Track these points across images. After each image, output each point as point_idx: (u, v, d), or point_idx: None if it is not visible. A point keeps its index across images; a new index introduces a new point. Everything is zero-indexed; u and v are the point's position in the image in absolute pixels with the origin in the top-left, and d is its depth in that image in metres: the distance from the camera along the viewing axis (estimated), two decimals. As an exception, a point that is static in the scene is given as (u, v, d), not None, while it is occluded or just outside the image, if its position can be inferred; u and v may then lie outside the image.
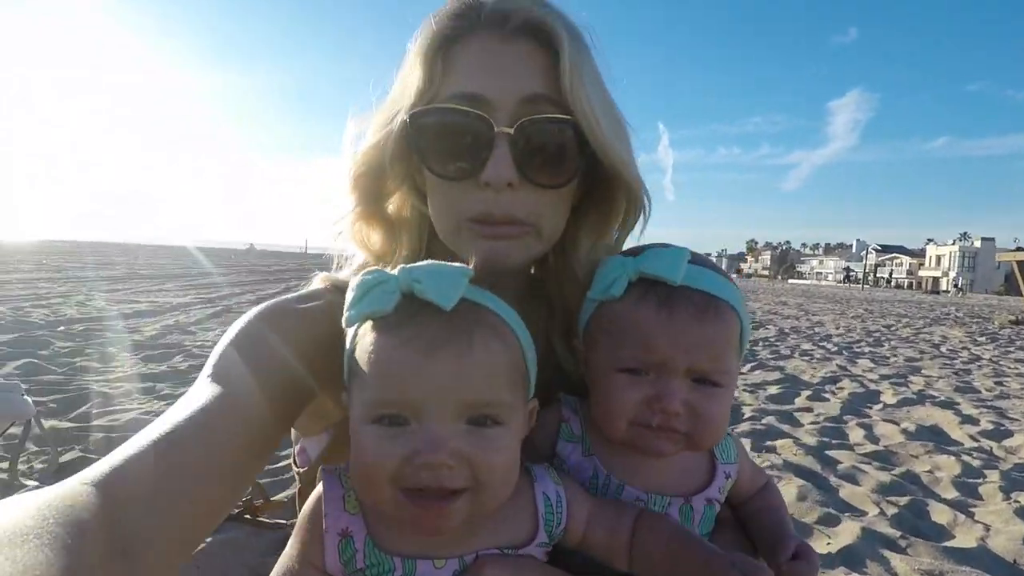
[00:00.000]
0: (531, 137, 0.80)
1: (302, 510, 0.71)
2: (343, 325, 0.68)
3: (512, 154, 0.80)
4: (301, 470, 0.99)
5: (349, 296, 0.66)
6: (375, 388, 0.62)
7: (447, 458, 0.59)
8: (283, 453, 3.12)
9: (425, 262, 0.67)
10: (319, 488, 0.70)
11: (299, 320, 0.84)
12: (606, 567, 0.77)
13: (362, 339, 0.65)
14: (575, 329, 0.89)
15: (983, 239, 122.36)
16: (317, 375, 0.81)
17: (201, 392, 0.73)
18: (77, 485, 0.57)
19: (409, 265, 0.66)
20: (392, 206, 0.95)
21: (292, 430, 0.97)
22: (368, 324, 0.65)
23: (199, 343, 7.00)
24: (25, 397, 2.35)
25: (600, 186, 0.91)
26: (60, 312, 8.92)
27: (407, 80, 0.85)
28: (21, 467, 2.76)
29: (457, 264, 0.66)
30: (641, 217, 0.94)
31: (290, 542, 0.69)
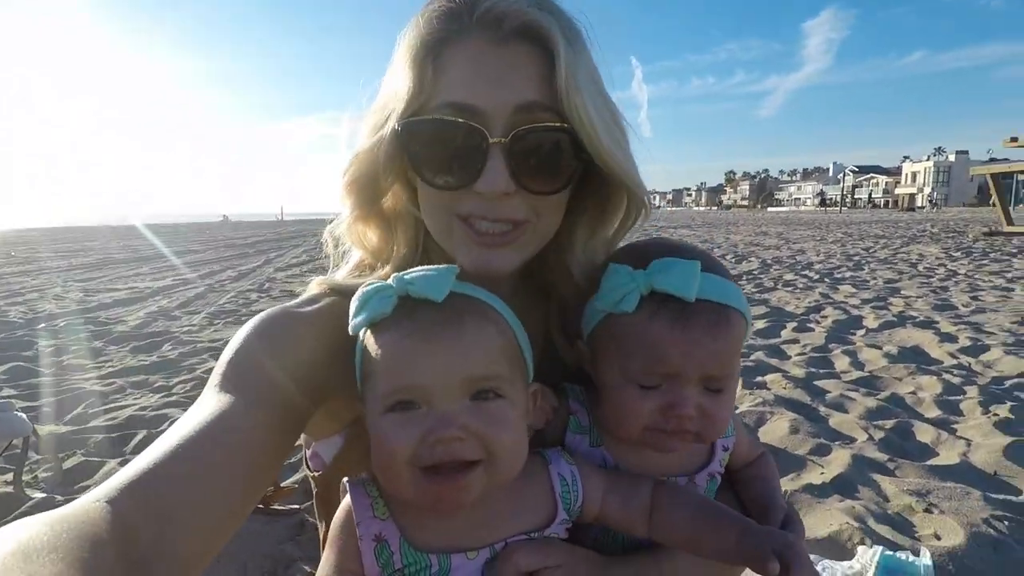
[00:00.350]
0: (526, 146, 0.79)
1: (332, 523, 0.74)
2: (350, 333, 0.72)
3: (507, 164, 0.79)
4: (316, 474, 1.00)
5: (352, 307, 0.71)
6: (384, 380, 0.68)
7: (458, 431, 0.65)
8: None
9: (417, 268, 0.72)
10: (347, 500, 0.73)
11: (304, 324, 0.84)
12: (620, 536, 0.81)
13: (368, 342, 0.70)
14: (572, 322, 0.91)
15: (957, 152, 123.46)
16: (328, 377, 0.82)
17: (211, 401, 0.73)
18: (91, 502, 0.58)
19: (401, 272, 0.71)
20: (387, 203, 0.95)
21: (303, 434, 0.98)
22: (371, 328, 0.70)
23: (186, 329, 6.93)
24: (19, 414, 2.34)
25: (596, 183, 0.90)
26: (38, 308, 8.73)
27: (397, 83, 0.82)
28: (26, 478, 2.77)
29: (445, 265, 0.72)
30: (642, 215, 0.94)
31: (324, 555, 0.73)
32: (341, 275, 0.97)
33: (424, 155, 0.82)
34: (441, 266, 0.71)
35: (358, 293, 0.71)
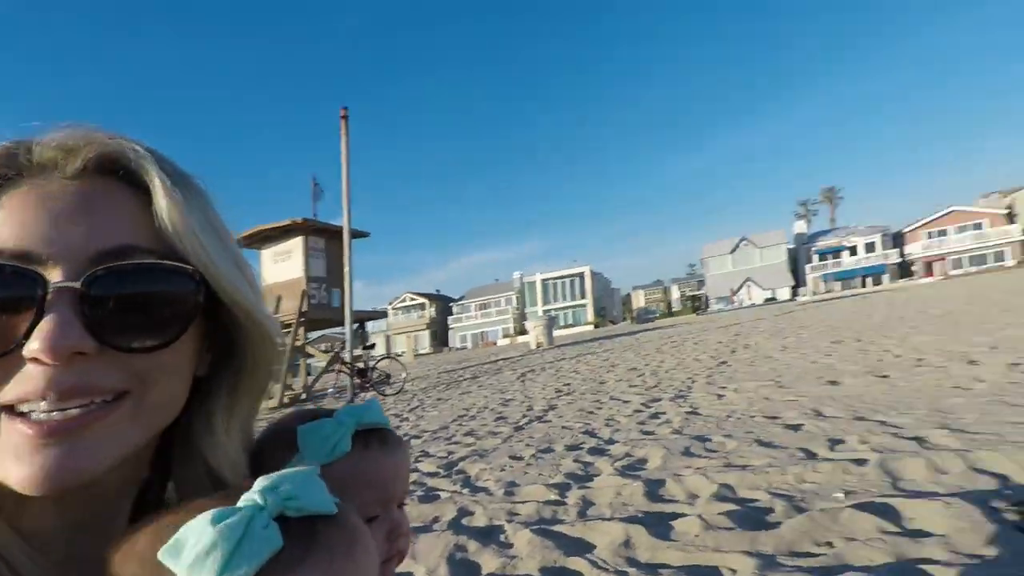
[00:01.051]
0: (111, 290, 0.55)
1: None
2: None
3: (80, 314, 0.53)
4: None
5: (200, 562, 0.42)
6: None
7: None
8: None
9: (275, 475, 0.48)
10: None
11: None
12: None
13: None
14: None
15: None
16: None
17: None
18: None
19: (263, 487, 0.47)
20: None
21: None
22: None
23: None
24: None
25: (229, 352, 0.68)
26: None
27: None
28: None
29: (300, 467, 0.50)
30: (271, 376, 0.72)
31: None
32: None
33: None
34: (298, 468, 0.50)
35: (210, 539, 0.43)
